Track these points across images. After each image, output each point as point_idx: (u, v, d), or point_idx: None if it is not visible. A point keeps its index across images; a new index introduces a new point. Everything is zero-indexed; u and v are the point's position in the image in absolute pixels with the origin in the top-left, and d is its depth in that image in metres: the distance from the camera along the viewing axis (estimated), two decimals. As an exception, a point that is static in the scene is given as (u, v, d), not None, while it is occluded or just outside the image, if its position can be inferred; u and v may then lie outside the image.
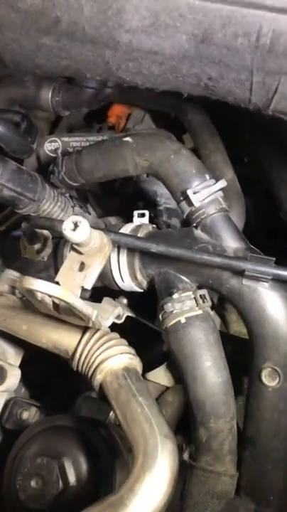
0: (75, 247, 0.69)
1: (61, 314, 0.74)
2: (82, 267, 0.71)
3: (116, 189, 1.26)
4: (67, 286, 0.68)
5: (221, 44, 0.54)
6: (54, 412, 1.16)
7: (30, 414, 1.12)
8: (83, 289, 0.71)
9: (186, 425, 1.14)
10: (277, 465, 0.75)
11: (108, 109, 1.29)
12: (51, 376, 1.22)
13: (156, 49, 0.58)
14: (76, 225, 0.66)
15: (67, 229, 0.66)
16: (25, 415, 1.11)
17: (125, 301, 1.03)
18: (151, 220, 0.99)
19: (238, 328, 1.16)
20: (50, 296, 0.61)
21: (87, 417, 1.00)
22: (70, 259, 0.70)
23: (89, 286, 0.69)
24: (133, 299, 1.09)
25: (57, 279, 0.70)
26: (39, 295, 0.67)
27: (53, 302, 0.72)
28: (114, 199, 1.27)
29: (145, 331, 1.06)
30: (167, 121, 1.30)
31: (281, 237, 1.16)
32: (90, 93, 1.05)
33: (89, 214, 1.08)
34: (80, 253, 0.70)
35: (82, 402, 1.18)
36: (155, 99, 1.18)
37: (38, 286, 0.58)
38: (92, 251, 0.70)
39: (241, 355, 0.82)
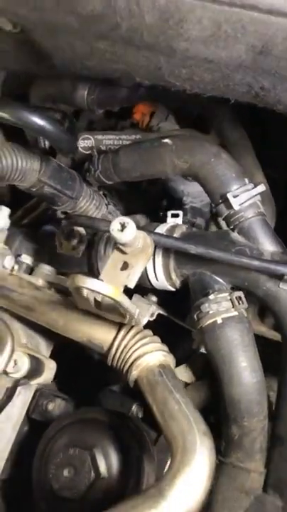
0: (120, 246, 0.71)
1: (101, 310, 0.76)
2: (125, 266, 0.73)
3: (143, 187, 1.27)
4: (111, 284, 0.70)
5: (280, 56, 0.55)
6: (77, 405, 1.19)
7: (55, 406, 1.15)
8: (125, 287, 0.73)
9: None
10: (306, 464, 0.78)
11: (132, 106, 1.30)
12: (75, 369, 1.25)
13: (212, 58, 0.60)
14: (123, 226, 0.68)
15: (114, 229, 0.68)
16: (50, 406, 1.13)
17: (154, 298, 1.05)
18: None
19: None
20: (100, 294, 0.63)
21: (114, 411, 1.02)
22: (114, 259, 0.72)
23: (132, 285, 0.71)
24: (161, 297, 1.11)
25: (101, 277, 0.71)
26: (85, 292, 0.69)
27: (95, 299, 0.74)
28: (139, 197, 1.29)
29: (169, 328, 1.08)
30: (190, 120, 1.31)
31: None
32: (125, 92, 1.06)
33: (121, 212, 1.10)
34: (124, 253, 0.72)
35: (105, 395, 1.21)
36: (182, 98, 1.19)
37: (92, 285, 0.60)
38: (136, 251, 0.72)
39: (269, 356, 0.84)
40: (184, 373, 1.31)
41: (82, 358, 1.27)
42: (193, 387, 1.28)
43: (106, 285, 0.61)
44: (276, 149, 1.16)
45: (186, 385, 1.30)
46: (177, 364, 1.25)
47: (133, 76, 0.70)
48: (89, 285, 0.60)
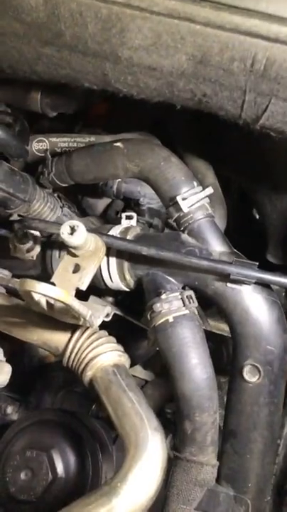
0: (71, 249, 0.72)
1: (54, 313, 0.77)
2: (77, 268, 0.74)
3: (99, 189, 1.28)
4: (63, 287, 0.71)
5: (218, 66, 0.58)
6: (35, 407, 1.19)
7: (14, 409, 1.15)
8: (77, 290, 0.74)
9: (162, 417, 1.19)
10: (256, 455, 0.81)
11: (87, 108, 1.30)
12: (32, 371, 1.25)
13: (155, 66, 0.62)
14: (73, 229, 0.69)
15: (64, 233, 0.69)
16: (9, 410, 1.13)
17: (110, 299, 1.07)
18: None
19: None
20: (51, 298, 0.64)
21: (72, 411, 1.03)
22: (65, 261, 0.73)
23: (84, 287, 0.73)
24: (117, 298, 1.13)
25: (53, 280, 0.72)
26: (36, 296, 0.69)
27: (47, 302, 0.75)
28: (98, 199, 1.30)
29: (125, 327, 1.09)
30: (146, 123, 1.33)
31: (254, 236, 1.22)
32: (80, 95, 1.07)
33: (76, 214, 1.11)
34: (75, 255, 0.73)
35: (64, 396, 1.21)
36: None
37: (41, 289, 0.61)
38: (87, 253, 0.73)
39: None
40: (143, 371, 1.33)
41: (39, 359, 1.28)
42: (152, 384, 1.30)
43: (55, 289, 0.62)
44: (227, 147, 1.19)
45: (145, 382, 1.33)
46: (139, 362, 1.27)
47: (81, 82, 0.72)
48: (38, 289, 0.61)
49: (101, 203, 1.29)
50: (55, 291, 0.61)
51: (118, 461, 1.00)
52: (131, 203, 1.21)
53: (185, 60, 0.59)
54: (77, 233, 0.68)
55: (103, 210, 1.30)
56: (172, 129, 1.19)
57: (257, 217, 1.39)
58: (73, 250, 0.72)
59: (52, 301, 0.73)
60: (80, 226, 0.69)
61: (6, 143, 0.74)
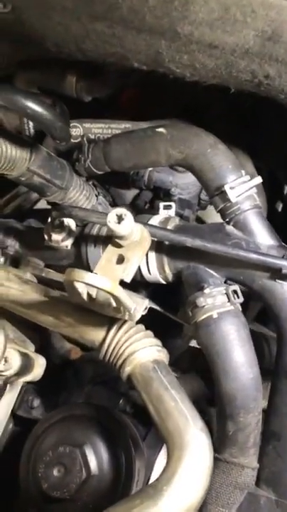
0: (116, 239, 0.69)
1: (94, 305, 0.74)
2: (121, 259, 0.70)
3: (130, 178, 1.24)
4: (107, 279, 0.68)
5: (290, 43, 0.53)
6: (63, 401, 1.16)
7: (41, 403, 1.12)
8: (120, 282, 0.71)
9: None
10: (300, 459, 0.77)
11: (119, 93, 1.26)
12: (59, 365, 1.22)
13: (217, 43, 0.57)
14: (120, 218, 0.65)
15: (111, 221, 0.65)
16: (36, 403, 1.11)
17: (144, 292, 1.03)
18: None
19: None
20: (98, 288, 0.60)
21: (104, 406, 1.00)
22: (109, 252, 0.70)
23: (128, 279, 0.69)
24: (150, 291, 1.09)
25: (96, 271, 0.69)
26: (80, 287, 0.66)
27: (88, 293, 0.71)
28: (126, 188, 1.26)
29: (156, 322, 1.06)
30: (178, 110, 1.28)
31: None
32: (115, 78, 1.02)
33: (110, 204, 1.07)
34: (120, 246, 0.70)
35: (92, 390, 1.18)
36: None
37: (89, 279, 0.57)
38: (132, 244, 0.69)
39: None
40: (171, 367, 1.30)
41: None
42: (181, 380, 1.27)
43: (104, 279, 0.58)
44: (260, 138, 1.15)
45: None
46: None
47: (131, 61, 0.67)
48: (87, 280, 0.58)
49: (130, 193, 1.25)
50: (104, 281, 0.58)
51: (149, 459, 0.97)
52: (161, 194, 1.17)
53: (252, 37, 0.54)
54: (124, 222, 0.65)
55: (131, 200, 1.26)
56: (207, 117, 1.14)
57: (279, 210, 1.35)
58: (118, 240, 0.68)
59: (94, 293, 0.70)
60: (128, 215, 0.65)
61: (51, 123, 0.70)
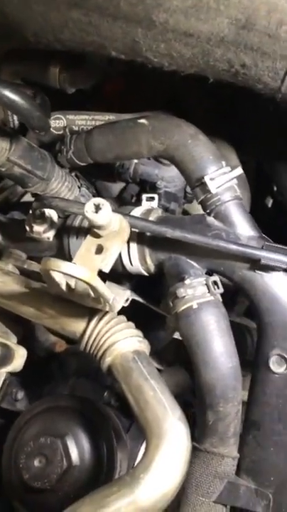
0: (94, 229, 0.69)
1: (73, 295, 0.74)
2: (100, 249, 0.70)
3: (115, 171, 1.24)
4: (86, 269, 0.68)
5: (263, 31, 0.53)
6: (47, 393, 1.16)
7: (25, 395, 1.12)
8: (99, 272, 0.71)
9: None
10: (280, 448, 0.78)
11: (102, 84, 1.24)
12: (43, 357, 1.22)
13: (192, 31, 0.57)
14: (98, 207, 0.65)
15: (88, 211, 0.65)
16: (20, 395, 1.10)
17: (128, 285, 1.03)
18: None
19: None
20: (74, 278, 0.60)
21: (86, 397, 1.00)
22: (88, 242, 0.70)
23: (107, 269, 0.69)
24: (132, 283, 1.09)
25: (74, 260, 0.69)
26: (58, 276, 0.66)
27: (67, 284, 0.71)
28: (112, 181, 1.26)
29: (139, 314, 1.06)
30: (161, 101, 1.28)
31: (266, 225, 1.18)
32: (98, 70, 1.02)
33: (93, 195, 1.07)
34: (98, 236, 0.70)
35: (76, 382, 1.18)
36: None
37: (66, 268, 0.57)
38: (111, 234, 0.69)
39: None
40: (156, 359, 1.30)
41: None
42: (166, 372, 1.27)
43: (81, 269, 0.58)
44: (245, 131, 1.15)
45: (159, 371, 1.29)
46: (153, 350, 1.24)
47: (108, 49, 0.67)
48: (63, 269, 0.57)
49: (116, 186, 1.25)
50: (81, 271, 0.58)
51: (132, 450, 0.98)
52: (147, 187, 1.17)
53: (226, 25, 0.54)
54: (102, 211, 0.65)
55: (118, 193, 1.26)
56: (190, 108, 1.14)
57: (269, 205, 1.35)
58: (97, 230, 0.68)
59: (72, 283, 0.70)
60: (105, 204, 0.65)
61: (29, 113, 0.70)
